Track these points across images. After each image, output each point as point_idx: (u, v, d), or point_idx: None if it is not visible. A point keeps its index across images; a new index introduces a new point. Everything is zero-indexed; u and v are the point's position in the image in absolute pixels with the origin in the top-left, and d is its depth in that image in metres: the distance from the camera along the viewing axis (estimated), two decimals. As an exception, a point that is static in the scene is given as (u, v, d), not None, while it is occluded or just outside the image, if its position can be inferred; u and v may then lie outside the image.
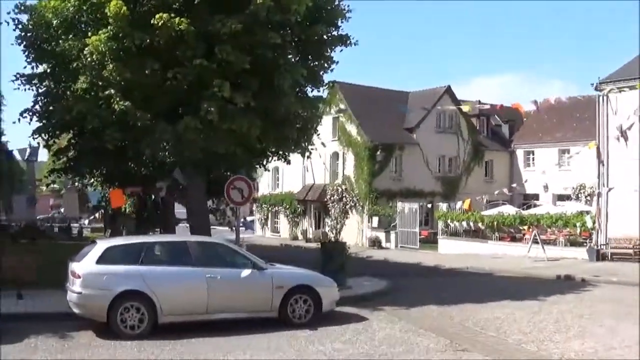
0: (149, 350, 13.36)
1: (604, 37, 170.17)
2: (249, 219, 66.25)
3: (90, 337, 14.66)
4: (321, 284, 17.17)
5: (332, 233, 47.76)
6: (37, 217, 55.07)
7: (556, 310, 18.81)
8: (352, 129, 53.67)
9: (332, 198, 54.19)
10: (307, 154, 26.01)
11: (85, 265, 15.03)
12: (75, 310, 15.20)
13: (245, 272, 15.99)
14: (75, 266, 15.16)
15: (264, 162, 28.74)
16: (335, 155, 56.10)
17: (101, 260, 15.07)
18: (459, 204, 46.56)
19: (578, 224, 36.98)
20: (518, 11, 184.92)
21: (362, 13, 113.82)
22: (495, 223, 41.32)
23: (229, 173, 25.18)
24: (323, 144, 49.97)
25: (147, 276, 15.01)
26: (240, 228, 23.50)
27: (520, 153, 60.49)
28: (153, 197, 26.16)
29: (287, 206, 61.58)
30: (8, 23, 24.31)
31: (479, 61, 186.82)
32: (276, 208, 64.14)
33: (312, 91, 25.14)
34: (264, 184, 65.96)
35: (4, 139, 70.75)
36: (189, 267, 15.64)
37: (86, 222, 70.40)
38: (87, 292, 14.71)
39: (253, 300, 16.07)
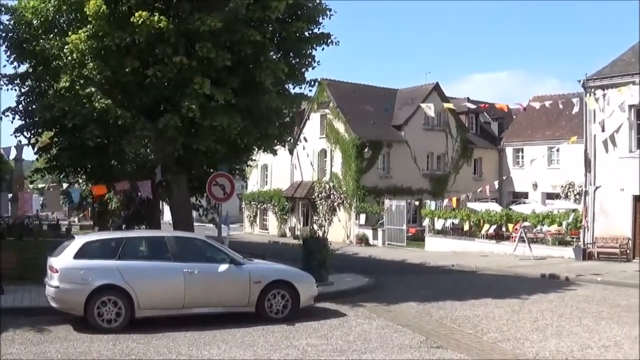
0: (124, 344, 13.64)
1: (598, 34, 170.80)
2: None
3: (68, 330, 14.97)
4: (299, 279, 17.44)
5: (320, 230, 48.34)
6: (26, 215, 55.19)
7: (536, 309, 18.97)
8: (339, 126, 53.84)
9: (320, 195, 55.25)
10: (292, 149, 26.33)
11: (62, 259, 15.36)
12: (54, 305, 15.53)
13: (223, 267, 16.30)
14: (53, 261, 15.49)
15: (247, 159, 28.97)
16: (323, 153, 56.31)
17: (79, 255, 15.39)
18: (445, 201, 46.76)
19: (564, 223, 37.27)
20: (514, 9, 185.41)
21: (352, 12, 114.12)
22: (481, 221, 41.47)
23: (211, 170, 25.41)
24: (305, 138, 50.20)
25: (125, 271, 15.32)
26: (224, 225, 23.81)
27: (509, 151, 60.48)
28: (139, 193, 26.34)
29: (276, 203, 61.84)
30: (-11, 25, 24.71)
31: (474, 59, 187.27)
32: (265, 205, 64.37)
33: (293, 88, 25.43)
34: (253, 181, 66.21)
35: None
36: (167, 262, 15.96)
37: (75, 220, 70.65)
38: (64, 286, 15.04)
39: (230, 295, 16.35)
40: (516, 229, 38.87)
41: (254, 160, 33.28)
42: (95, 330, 14.73)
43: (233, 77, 21.76)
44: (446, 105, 44.61)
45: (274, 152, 26.82)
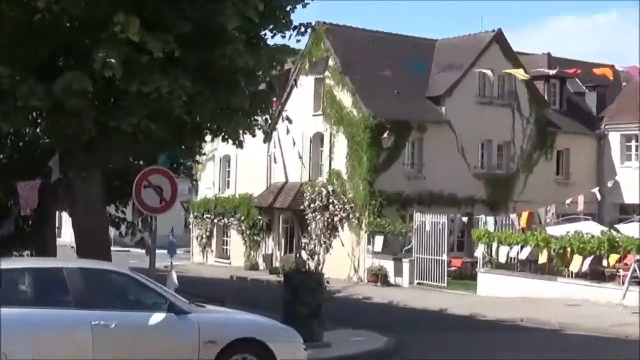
0: None
1: None
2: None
3: None
4: (276, 337, 17.35)
5: (312, 260, 48.40)
6: None
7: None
8: (344, 97, 53.95)
9: (312, 205, 55.21)
10: (270, 133, 26.07)
11: None
12: None
13: (157, 318, 16.11)
14: None
15: (198, 146, 28.80)
16: (318, 138, 56.63)
17: None
18: (512, 217, 46.59)
19: None
20: None
21: None
22: (567, 250, 41.29)
23: (140, 162, 25.30)
24: (288, 118, 50.24)
25: (-3, 323, 15.15)
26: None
27: (614, 138, 60.65)
28: (19, 202, 26.10)
29: (243, 217, 61.98)
30: None
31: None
32: (225, 220, 64.46)
33: (272, 37, 25.22)
34: (207, 182, 66.21)
35: None
36: (66, 308, 15.78)
37: None
38: None
39: (168, 363, 16.28)
40: (626, 265, 38.74)
41: (206, 154, 33.07)
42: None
43: (178, 18, 21.54)
44: (516, 72, 44.45)
45: (239, 143, 26.47)
